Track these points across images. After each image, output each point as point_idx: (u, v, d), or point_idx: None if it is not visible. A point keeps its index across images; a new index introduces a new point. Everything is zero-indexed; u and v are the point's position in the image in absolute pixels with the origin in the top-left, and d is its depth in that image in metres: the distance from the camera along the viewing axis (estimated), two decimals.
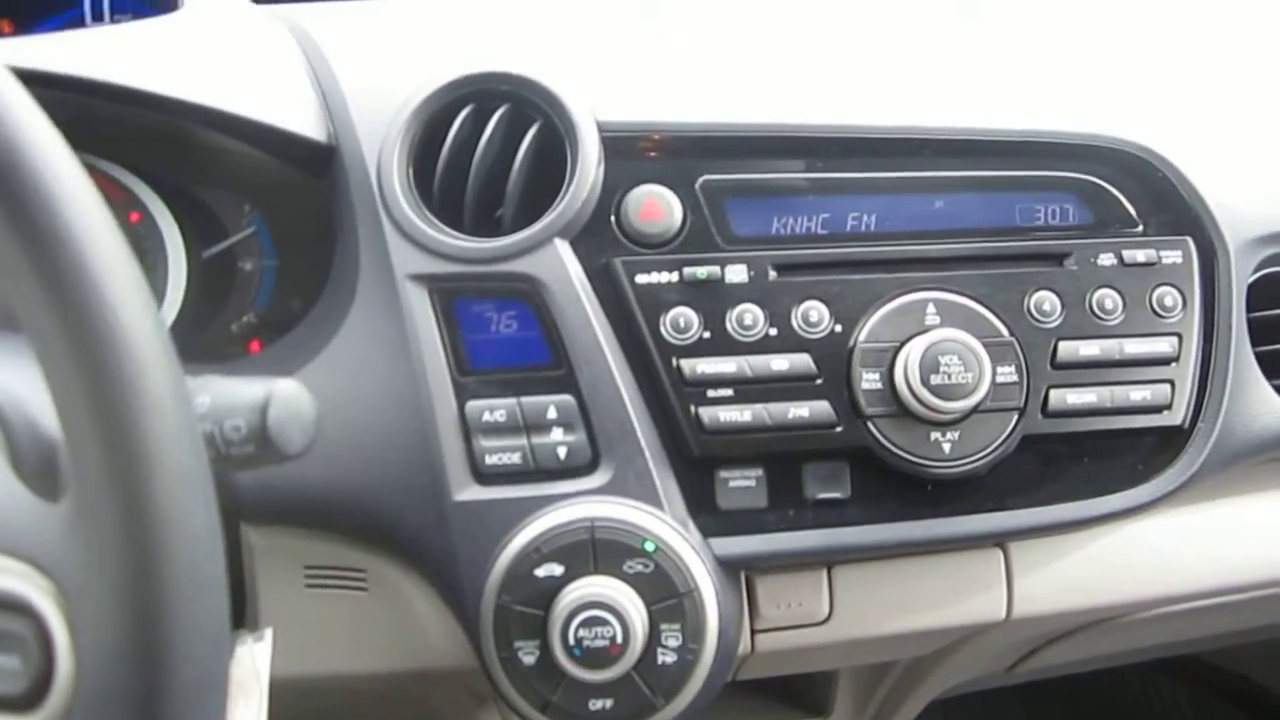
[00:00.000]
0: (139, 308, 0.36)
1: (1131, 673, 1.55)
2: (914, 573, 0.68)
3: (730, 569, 0.64)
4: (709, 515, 0.63)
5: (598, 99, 0.67)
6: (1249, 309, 0.70)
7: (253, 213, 0.79)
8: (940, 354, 0.62)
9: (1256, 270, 0.71)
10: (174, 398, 0.36)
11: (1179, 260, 0.67)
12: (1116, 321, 0.66)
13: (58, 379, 0.35)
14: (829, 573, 0.68)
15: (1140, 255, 0.67)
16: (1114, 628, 0.77)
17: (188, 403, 0.38)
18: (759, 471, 0.64)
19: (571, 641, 0.58)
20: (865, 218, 0.68)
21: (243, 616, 0.65)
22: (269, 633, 0.56)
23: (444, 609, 0.65)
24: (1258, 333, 0.70)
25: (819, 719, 0.88)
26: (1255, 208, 0.71)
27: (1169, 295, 0.66)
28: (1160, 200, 0.69)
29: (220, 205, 0.79)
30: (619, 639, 0.58)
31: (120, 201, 0.77)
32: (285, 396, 0.44)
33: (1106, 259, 0.66)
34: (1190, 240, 0.68)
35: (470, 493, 0.62)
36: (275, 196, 0.77)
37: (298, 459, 0.45)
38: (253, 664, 0.54)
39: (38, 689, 0.35)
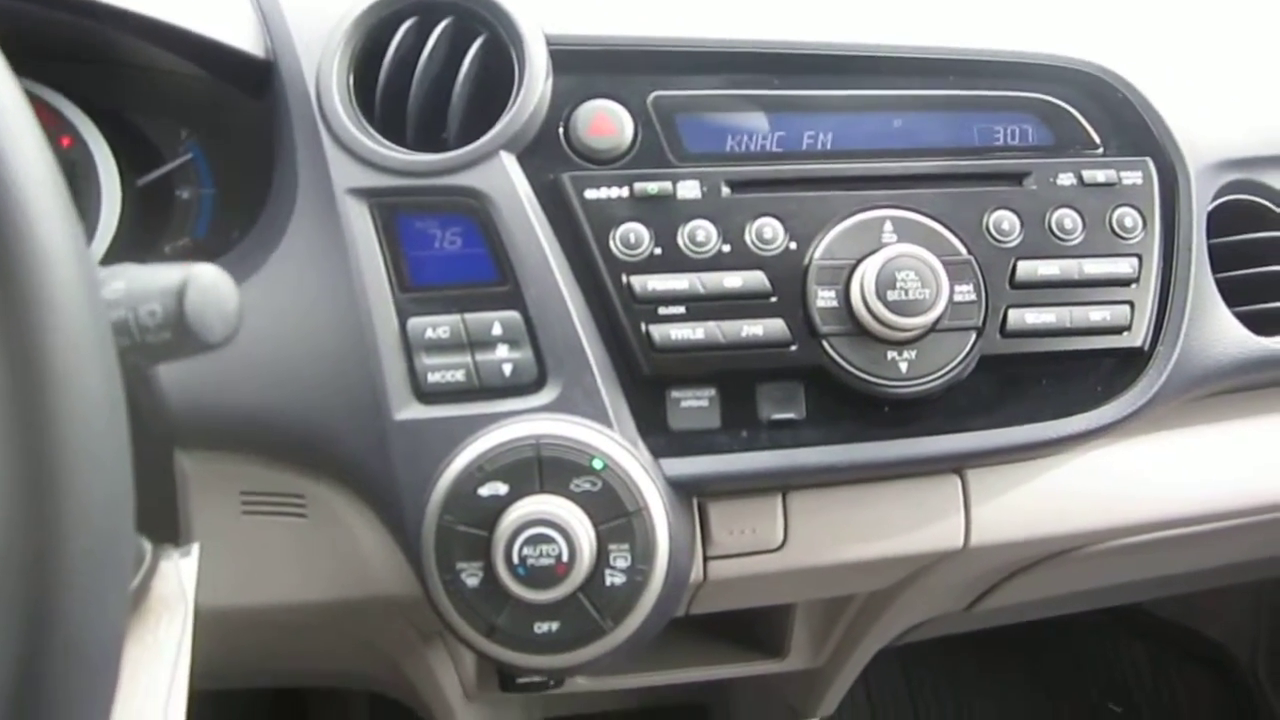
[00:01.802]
0: (42, 176, 0.34)
1: (1089, 630, 1.55)
2: (870, 500, 0.67)
3: (682, 492, 0.62)
4: (660, 436, 0.61)
5: (546, 12, 0.65)
6: (1209, 235, 0.69)
7: (189, 139, 0.76)
8: (897, 270, 0.60)
9: (1217, 196, 0.70)
10: (73, 257, 0.34)
11: (1139, 181, 0.66)
12: (1076, 242, 0.64)
13: None
14: (784, 499, 0.66)
15: (1100, 175, 0.65)
16: (1072, 562, 0.76)
17: (87, 262, 0.35)
18: (711, 391, 0.62)
19: (516, 560, 0.56)
20: (821, 136, 0.66)
21: (174, 537, 0.62)
22: (195, 548, 0.53)
23: (386, 534, 0.63)
24: (1218, 259, 0.69)
25: (775, 660, 0.87)
26: (1216, 133, 0.70)
27: (1129, 216, 0.65)
28: (1120, 122, 0.67)
29: (155, 131, 0.76)
30: (565, 558, 0.56)
31: (51, 126, 0.73)
32: (204, 281, 0.42)
33: (1066, 179, 0.65)
34: (1150, 162, 0.66)
35: (411, 411, 0.60)
36: (212, 122, 0.74)
37: (219, 348, 0.43)
38: (179, 580, 0.51)
39: None
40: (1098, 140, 0.67)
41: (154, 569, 0.52)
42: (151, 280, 0.42)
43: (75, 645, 0.32)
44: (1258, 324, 0.69)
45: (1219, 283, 0.69)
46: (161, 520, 0.57)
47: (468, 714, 0.87)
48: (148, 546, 0.52)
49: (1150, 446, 0.71)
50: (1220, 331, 0.67)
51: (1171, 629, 1.53)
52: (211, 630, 0.59)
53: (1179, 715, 1.51)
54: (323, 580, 0.64)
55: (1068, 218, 0.64)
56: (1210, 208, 0.70)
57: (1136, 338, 0.65)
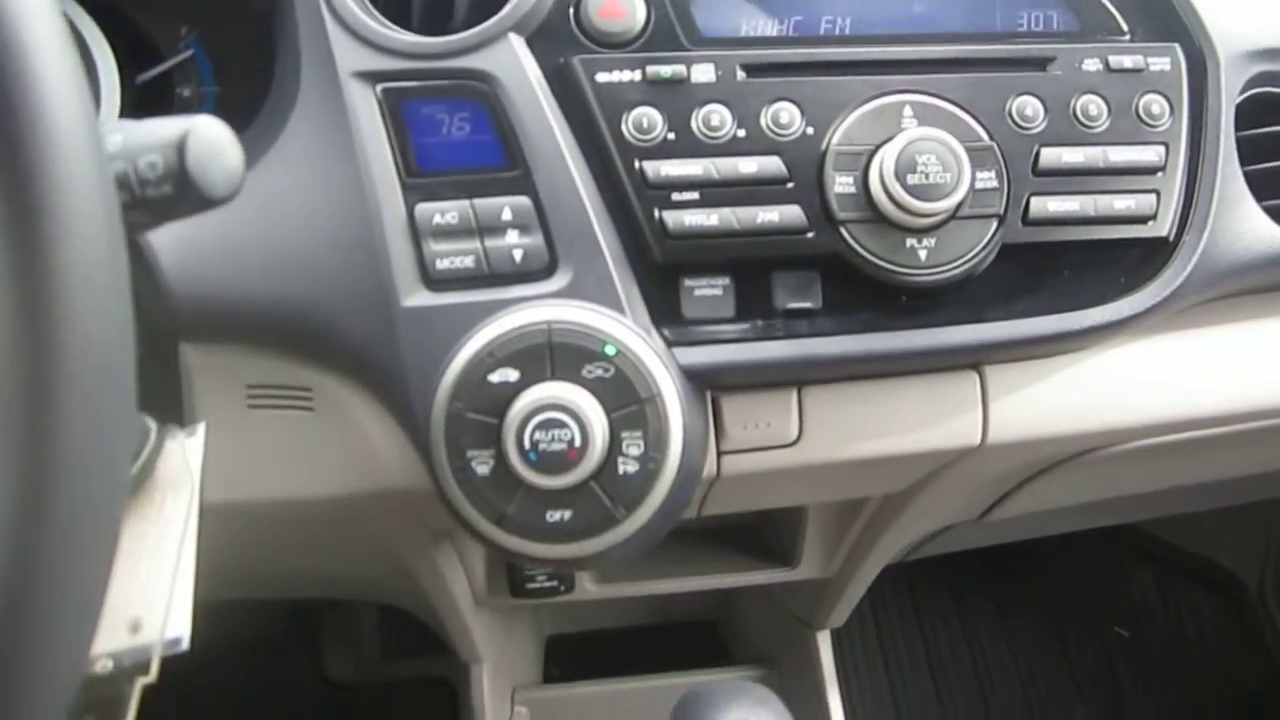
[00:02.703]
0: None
1: (1096, 556, 1.55)
2: (887, 395, 0.66)
3: (695, 384, 0.61)
4: (673, 325, 0.60)
5: None
6: (1238, 128, 0.67)
7: (189, 35, 0.74)
8: (918, 153, 0.58)
9: (1246, 88, 0.68)
10: (76, 97, 0.33)
11: (1167, 68, 0.64)
12: (1101, 129, 0.62)
13: None
14: (798, 393, 0.65)
15: (1127, 61, 0.63)
16: (1088, 466, 0.75)
17: (89, 105, 0.34)
18: (726, 280, 0.61)
19: (527, 445, 0.55)
20: (840, 20, 0.64)
21: (179, 420, 0.61)
22: (201, 428, 0.52)
23: (394, 426, 0.62)
24: (1246, 152, 0.67)
25: (786, 569, 0.86)
26: (1248, 21, 0.68)
27: (1156, 103, 0.63)
28: (1148, 8, 0.65)
29: (155, 28, 0.74)
30: (577, 442, 0.55)
31: None
32: (205, 133, 0.40)
33: (1092, 65, 0.63)
34: (1179, 48, 0.64)
35: (420, 299, 0.59)
36: (213, 18, 0.72)
37: (221, 204, 0.42)
38: (184, 459, 0.50)
39: None
40: (1124, 26, 0.65)
41: (159, 449, 0.51)
42: (151, 133, 0.40)
43: (78, 470, 0.31)
44: None
45: (1246, 176, 0.67)
46: (166, 404, 0.56)
47: (478, 626, 0.87)
48: (152, 426, 0.51)
49: (1173, 344, 0.70)
50: (1248, 224, 0.66)
51: (1180, 555, 1.53)
52: (220, 529, 0.59)
53: (1186, 640, 1.52)
54: (331, 474, 0.63)
55: (1093, 104, 0.62)
56: (1239, 99, 0.68)
57: (1162, 227, 0.63)
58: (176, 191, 0.40)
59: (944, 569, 1.48)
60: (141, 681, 0.44)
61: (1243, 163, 0.67)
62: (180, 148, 0.40)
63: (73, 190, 0.33)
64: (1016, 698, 1.44)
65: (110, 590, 0.46)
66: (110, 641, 0.45)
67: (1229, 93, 0.65)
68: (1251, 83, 0.68)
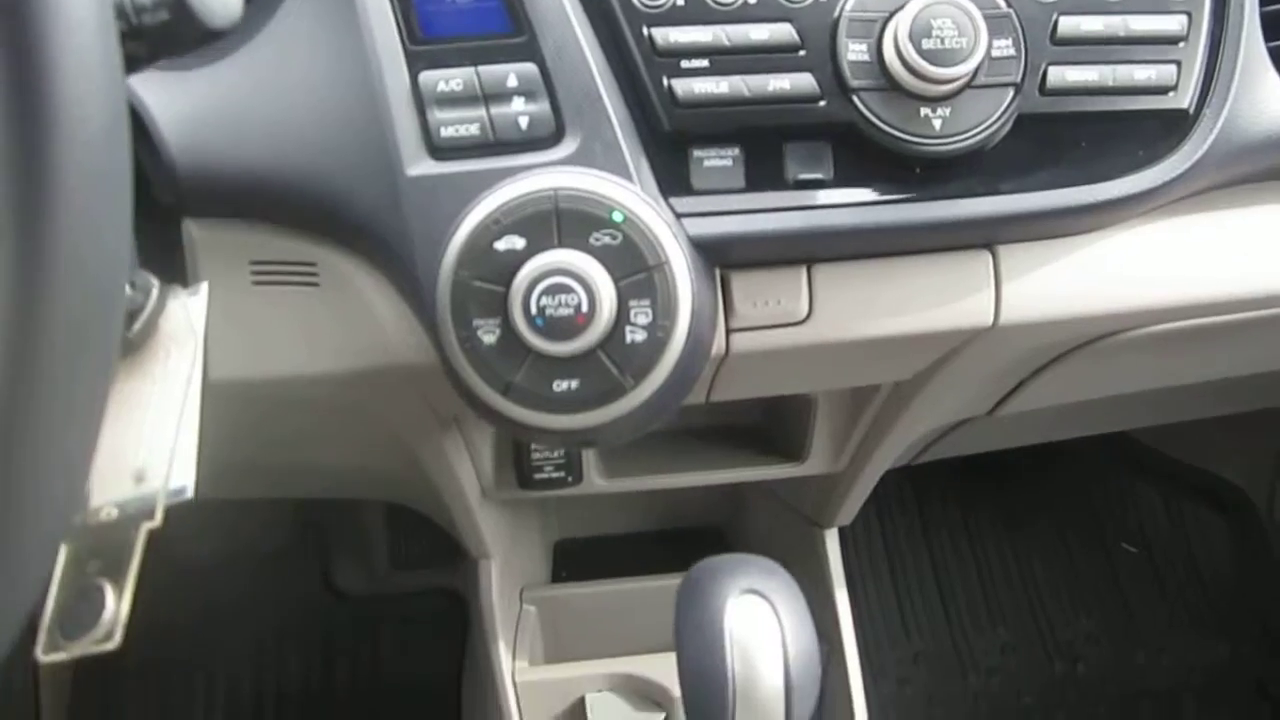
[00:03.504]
0: None
1: (1104, 473, 1.55)
2: (898, 273, 0.65)
3: (705, 257, 0.60)
4: (682, 195, 0.59)
5: None
6: (1262, 2, 0.65)
7: None
8: (934, 17, 0.57)
9: None
10: None
11: None
12: None
13: None
14: (809, 270, 0.64)
15: None
16: (1101, 356, 0.74)
17: None
18: (735, 150, 0.59)
19: (534, 311, 0.55)
20: None
21: (183, 281, 0.60)
22: (204, 287, 0.52)
23: (400, 301, 0.61)
24: (1269, 27, 0.65)
25: (794, 463, 0.86)
26: None
27: None
28: None
29: None
30: (584, 308, 0.55)
31: None
32: None
33: None
34: None
35: (424, 167, 0.58)
36: None
37: (219, 36, 0.41)
38: (187, 317, 0.50)
39: None
40: None
41: (162, 308, 0.50)
42: None
43: (73, 282, 0.31)
44: None
45: (1270, 51, 0.65)
46: (170, 266, 0.56)
47: (487, 521, 0.87)
48: (155, 284, 0.50)
49: (1190, 228, 0.68)
50: (1270, 97, 0.64)
51: (1188, 471, 1.53)
52: (226, 411, 0.59)
53: (1193, 557, 1.52)
54: (336, 350, 0.63)
55: None
56: None
57: (1183, 99, 0.61)
58: (173, 17, 0.39)
59: (950, 483, 1.49)
60: (147, 527, 0.44)
61: (1267, 39, 0.65)
62: None
63: (71, 12, 0.32)
64: (1022, 608, 1.45)
65: (115, 442, 0.46)
66: (115, 491, 0.45)
67: None
68: None
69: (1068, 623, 1.45)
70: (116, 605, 0.42)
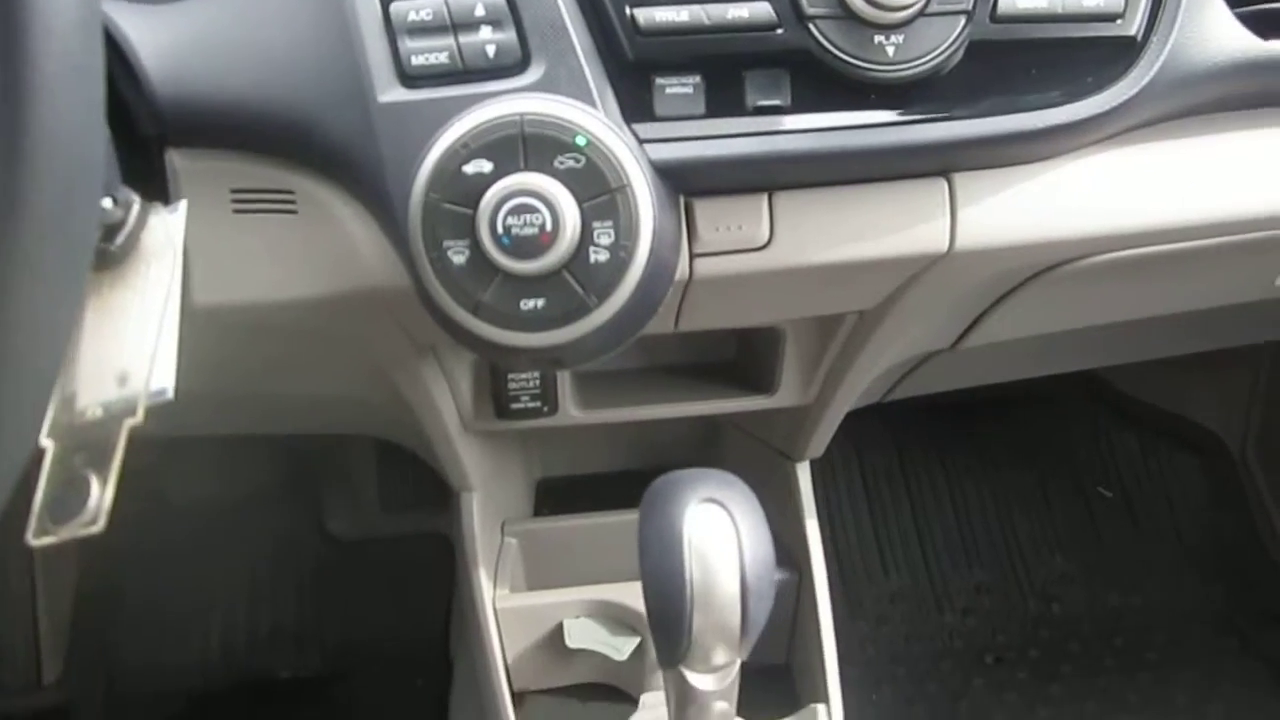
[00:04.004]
0: None
1: (1083, 416, 1.58)
2: (856, 201, 0.67)
3: (668, 183, 0.62)
4: (645, 122, 0.61)
5: None
6: None
7: None
8: None
9: None
10: None
11: None
12: None
13: None
14: (769, 197, 0.66)
15: None
16: (1057, 286, 0.77)
17: None
18: (696, 78, 0.62)
19: (500, 230, 0.57)
20: None
21: (165, 199, 0.62)
22: (183, 205, 0.54)
23: (374, 227, 0.63)
24: None
25: (765, 395, 0.89)
26: None
27: None
28: None
29: None
30: (548, 227, 0.57)
31: None
32: None
33: None
34: None
35: (396, 94, 0.60)
36: None
37: None
38: (166, 231, 0.52)
39: None
40: None
41: (143, 223, 0.53)
42: None
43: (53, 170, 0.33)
44: (1260, 27, 0.68)
45: None
46: (153, 196, 0.58)
47: (468, 453, 0.89)
48: (136, 200, 0.53)
49: (1139, 157, 0.70)
50: (1218, 28, 0.66)
51: (1162, 416, 1.56)
52: (210, 338, 0.61)
53: (1169, 500, 1.56)
54: (313, 274, 0.65)
55: None
56: None
57: (1130, 26, 0.63)
58: None
59: (930, 427, 1.52)
60: (130, 423, 0.46)
61: None
62: None
63: None
64: (998, 549, 1.49)
65: (99, 348, 0.48)
66: (99, 392, 0.48)
67: None
68: None
69: (1043, 563, 1.48)
70: (101, 494, 0.44)
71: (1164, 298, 0.90)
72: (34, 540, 0.44)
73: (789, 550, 0.98)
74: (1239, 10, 0.67)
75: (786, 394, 0.88)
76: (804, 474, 0.98)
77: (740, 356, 0.94)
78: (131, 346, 0.49)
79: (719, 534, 0.60)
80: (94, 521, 0.44)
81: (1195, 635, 1.43)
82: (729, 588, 0.60)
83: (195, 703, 1.33)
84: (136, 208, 0.52)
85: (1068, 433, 1.58)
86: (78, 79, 0.36)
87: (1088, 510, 1.53)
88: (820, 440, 0.95)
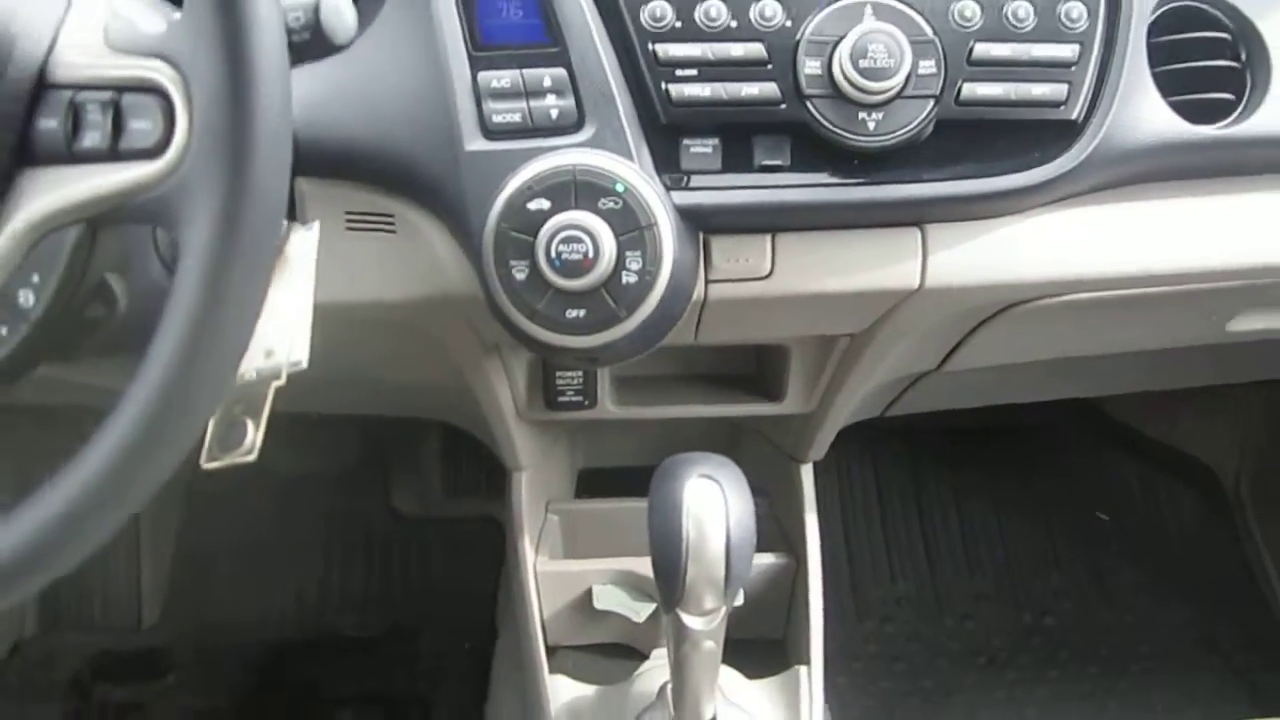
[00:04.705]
0: None
1: (1087, 447, 1.70)
2: (844, 243, 0.82)
3: (689, 223, 0.78)
4: (672, 173, 0.77)
5: None
6: (1156, 35, 0.81)
7: None
8: (869, 43, 0.74)
9: (1161, 2, 0.82)
10: None
11: None
12: (1028, 29, 0.77)
13: None
14: (772, 237, 0.82)
15: None
16: (1025, 319, 0.91)
17: None
18: (715, 140, 0.77)
19: (553, 254, 0.73)
20: None
21: (304, 220, 0.79)
22: (316, 224, 0.71)
23: (455, 245, 0.80)
24: (1160, 55, 0.81)
25: (775, 403, 1.04)
26: None
27: (1076, 9, 0.77)
28: None
29: None
30: (590, 255, 0.73)
31: None
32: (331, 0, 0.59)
33: None
34: None
35: (479, 144, 0.76)
36: None
37: (340, 51, 0.60)
38: (304, 243, 0.69)
39: (162, 143, 0.50)
40: None
41: (288, 237, 0.70)
42: None
43: (263, 195, 0.50)
44: (1191, 114, 0.82)
45: (1160, 75, 0.81)
46: (291, 211, 0.75)
47: (521, 437, 1.06)
48: (284, 221, 0.70)
49: (1087, 214, 0.84)
50: (1149, 114, 0.80)
51: (1162, 449, 1.67)
52: (325, 330, 0.78)
53: (1164, 526, 1.67)
54: (407, 281, 0.82)
55: (1022, 8, 0.77)
56: (1160, 10, 0.82)
57: (1071, 112, 0.78)
58: (313, 39, 0.58)
59: (941, 447, 1.66)
60: (275, 384, 0.63)
61: (1156, 64, 0.81)
62: (315, 8, 0.58)
63: (268, 37, 0.51)
64: (999, 562, 1.62)
65: (255, 330, 0.65)
66: (252, 362, 0.64)
67: (1140, 2, 0.80)
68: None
69: (1039, 578, 1.61)
70: (254, 434, 0.61)
71: (1122, 336, 1.04)
72: (205, 464, 0.61)
73: (790, 539, 1.13)
74: (1171, 99, 0.82)
75: (792, 402, 1.04)
76: (807, 475, 1.13)
77: (758, 369, 1.09)
78: (276, 329, 0.65)
79: (711, 503, 0.76)
80: (250, 453, 0.60)
81: (1178, 652, 1.54)
82: (717, 545, 0.75)
83: (272, 652, 1.52)
84: (285, 225, 0.69)
85: (1070, 460, 1.70)
86: (278, 139, 0.52)
87: (1085, 532, 1.65)
88: (821, 445, 1.10)
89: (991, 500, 1.66)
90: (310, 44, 0.59)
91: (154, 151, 0.50)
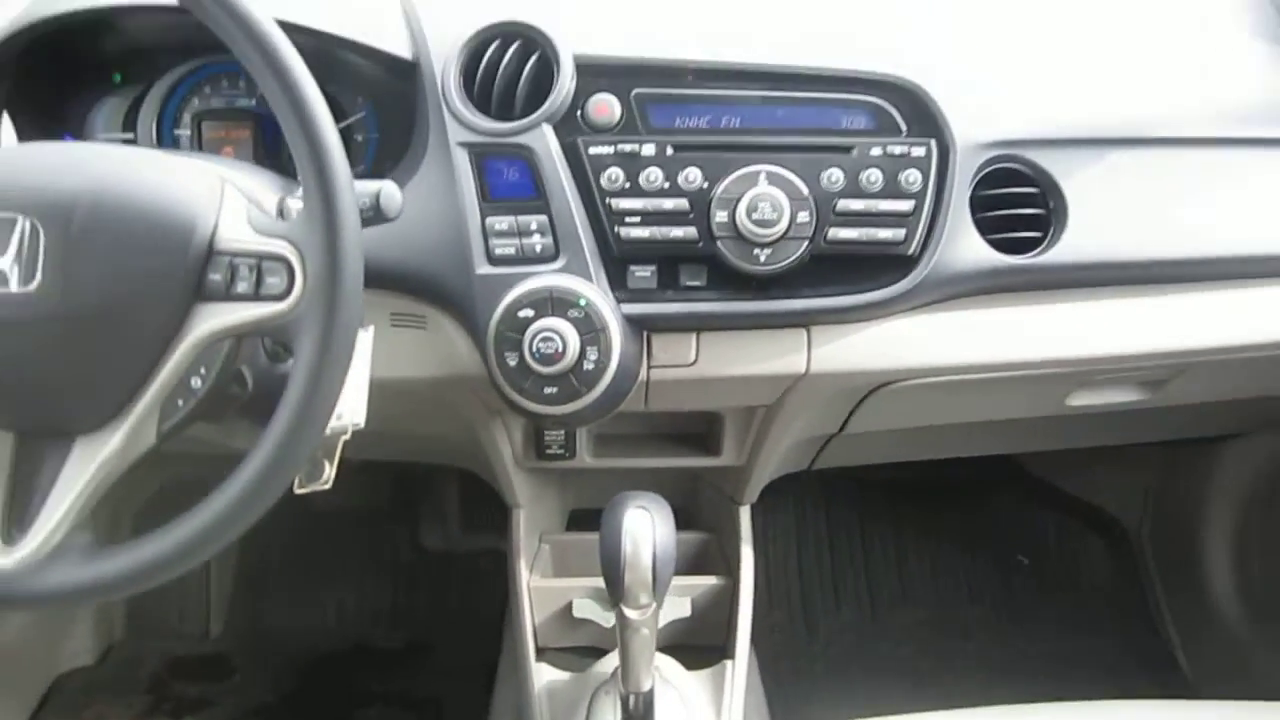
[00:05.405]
0: (332, 129, 0.83)
1: (1011, 500, 1.98)
2: (748, 340, 1.12)
3: (634, 326, 1.09)
4: (621, 290, 1.08)
5: (576, 39, 1.10)
6: (980, 189, 1.11)
7: (365, 102, 1.25)
8: (759, 201, 1.05)
9: (987, 164, 1.12)
10: (347, 181, 0.83)
11: (923, 154, 1.08)
12: (877, 189, 1.08)
13: (300, 158, 0.81)
14: (697, 336, 1.12)
15: (898, 149, 1.08)
16: (897, 394, 1.20)
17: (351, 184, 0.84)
18: (653, 268, 1.08)
19: (535, 349, 1.04)
20: (732, 119, 1.10)
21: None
22: (373, 328, 1.03)
23: (468, 339, 1.11)
24: (983, 204, 1.11)
25: (714, 457, 1.34)
26: (981, 123, 1.11)
27: (913, 175, 1.08)
28: (918, 115, 1.09)
29: (343, 97, 1.25)
30: (561, 349, 1.03)
31: None
32: (388, 189, 0.91)
33: (876, 151, 1.08)
34: (934, 141, 1.08)
35: (486, 269, 1.07)
36: (379, 92, 1.23)
37: (391, 222, 0.91)
38: (364, 339, 1.00)
39: (286, 291, 0.81)
40: (903, 127, 1.09)
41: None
42: (364, 187, 0.91)
43: (347, 317, 0.81)
44: (1009, 248, 1.12)
45: (984, 219, 1.11)
46: None
47: (519, 481, 1.35)
48: None
49: (933, 319, 1.13)
50: (970, 249, 1.10)
51: (1076, 503, 1.95)
52: (373, 398, 1.09)
53: (1078, 569, 1.94)
54: (434, 364, 1.13)
55: (873, 174, 1.08)
56: (983, 172, 1.12)
57: (908, 249, 1.08)
58: (375, 215, 0.90)
59: (886, 495, 1.95)
60: (343, 438, 0.94)
61: (979, 211, 1.11)
62: (378, 194, 0.90)
63: (346, 208, 0.83)
64: (929, 591, 1.89)
65: None
66: (329, 422, 0.95)
67: (965, 168, 1.09)
68: (990, 161, 1.12)
69: (965, 610, 1.88)
70: (329, 470, 0.92)
71: (980, 408, 1.33)
72: (297, 489, 0.91)
73: (730, 565, 1.42)
74: (991, 236, 1.12)
75: (727, 456, 1.33)
76: (745, 514, 1.41)
77: (706, 430, 1.39)
78: (344, 399, 0.96)
79: (644, 527, 1.05)
80: (327, 484, 0.91)
81: (1082, 675, 1.80)
82: (647, 558, 1.05)
83: (317, 660, 1.82)
84: None
85: (998, 511, 1.98)
86: (356, 287, 0.83)
87: (1006, 572, 1.93)
88: (753, 491, 1.39)
89: (927, 542, 1.93)
90: (374, 218, 0.91)
91: (281, 296, 0.81)
